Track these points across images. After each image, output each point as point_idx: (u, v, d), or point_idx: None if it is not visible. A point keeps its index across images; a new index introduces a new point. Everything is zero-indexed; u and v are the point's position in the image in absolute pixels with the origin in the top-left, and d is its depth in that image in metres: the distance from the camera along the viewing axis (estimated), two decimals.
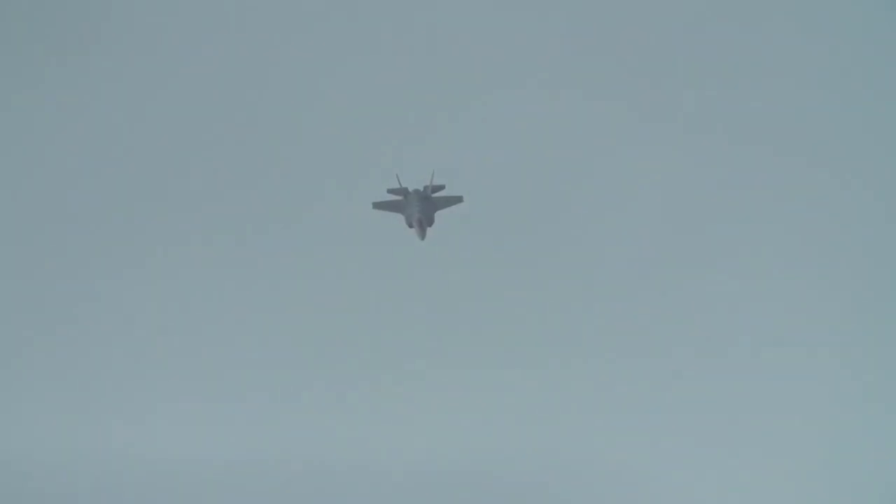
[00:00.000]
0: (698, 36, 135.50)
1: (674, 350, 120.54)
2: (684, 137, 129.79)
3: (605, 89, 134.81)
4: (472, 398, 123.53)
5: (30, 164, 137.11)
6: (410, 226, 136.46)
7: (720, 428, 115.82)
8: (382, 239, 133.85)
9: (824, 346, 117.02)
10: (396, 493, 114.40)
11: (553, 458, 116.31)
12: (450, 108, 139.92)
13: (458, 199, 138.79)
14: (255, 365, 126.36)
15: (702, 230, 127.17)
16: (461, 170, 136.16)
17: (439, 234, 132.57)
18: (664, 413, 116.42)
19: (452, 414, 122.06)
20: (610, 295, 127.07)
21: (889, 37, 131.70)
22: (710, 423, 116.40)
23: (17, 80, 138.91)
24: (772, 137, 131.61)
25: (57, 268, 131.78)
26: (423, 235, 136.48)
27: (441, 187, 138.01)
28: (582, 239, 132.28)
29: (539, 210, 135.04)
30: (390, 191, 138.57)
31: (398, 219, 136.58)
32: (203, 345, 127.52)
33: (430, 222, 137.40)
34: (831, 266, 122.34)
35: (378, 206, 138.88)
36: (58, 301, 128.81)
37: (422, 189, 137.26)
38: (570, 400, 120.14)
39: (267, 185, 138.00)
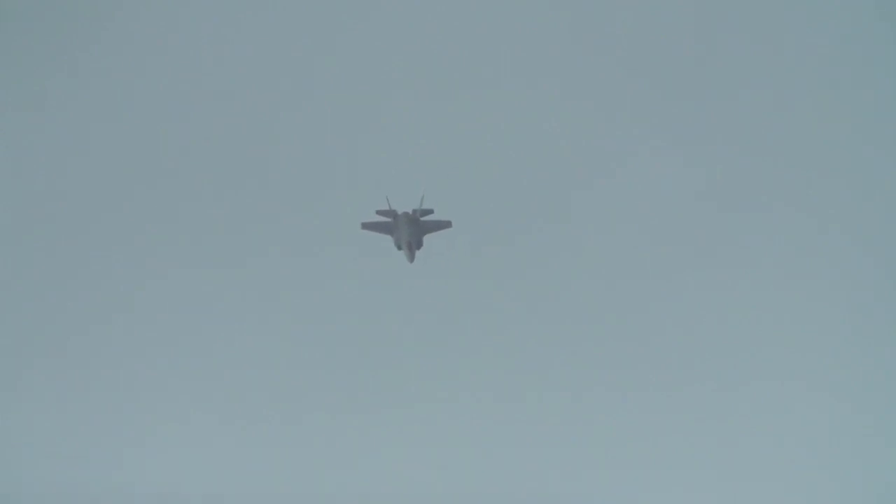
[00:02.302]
0: (702, 39, 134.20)
1: (670, 372, 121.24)
2: (685, 144, 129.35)
3: (599, 99, 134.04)
4: (462, 424, 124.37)
5: (31, 174, 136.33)
6: (399, 248, 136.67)
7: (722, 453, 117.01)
8: (372, 258, 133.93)
9: (831, 358, 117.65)
10: None
11: (547, 487, 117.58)
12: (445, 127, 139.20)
13: (447, 224, 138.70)
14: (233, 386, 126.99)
15: (701, 239, 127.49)
16: (451, 195, 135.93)
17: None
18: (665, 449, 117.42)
19: (442, 442, 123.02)
20: (601, 312, 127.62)
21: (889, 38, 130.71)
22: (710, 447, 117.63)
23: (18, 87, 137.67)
24: (774, 140, 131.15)
25: (64, 279, 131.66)
26: (412, 258, 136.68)
27: (430, 211, 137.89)
28: (574, 257, 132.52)
29: (531, 229, 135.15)
30: (379, 212, 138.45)
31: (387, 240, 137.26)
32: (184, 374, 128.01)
33: (419, 245, 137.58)
34: (838, 270, 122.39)
35: (367, 226, 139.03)
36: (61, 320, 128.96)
37: (410, 212, 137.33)
38: (561, 425, 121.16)
39: (253, 201, 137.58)
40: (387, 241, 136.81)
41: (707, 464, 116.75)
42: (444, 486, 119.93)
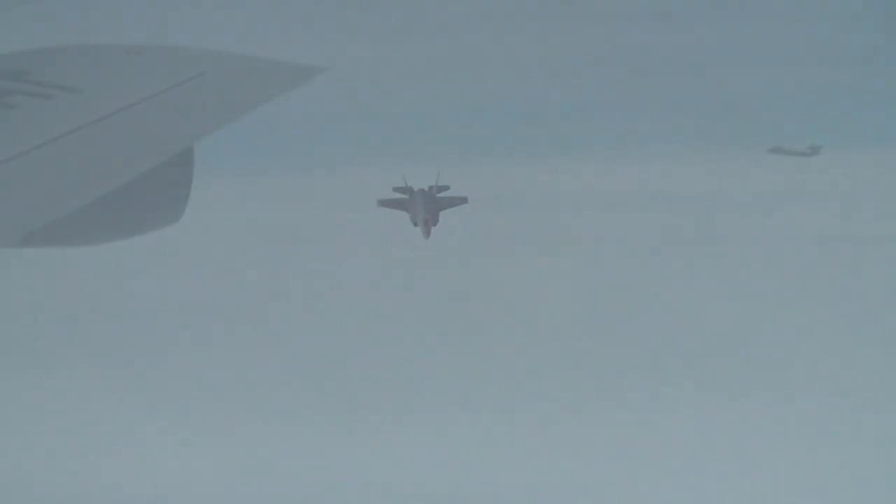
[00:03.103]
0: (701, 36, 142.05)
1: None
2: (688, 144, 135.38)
3: (610, 92, 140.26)
4: (475, 415, 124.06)
5: None
6: (415, 224, 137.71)
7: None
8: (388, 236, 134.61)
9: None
10: None
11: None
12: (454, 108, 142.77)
13: (463, 200, 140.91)
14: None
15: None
16: (465, 171, 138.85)
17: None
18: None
19: (452, 438, 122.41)
20: (621, 292, 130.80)
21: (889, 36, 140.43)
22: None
23: None
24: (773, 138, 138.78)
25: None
26: (427, 234, 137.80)
27: (446, 188, 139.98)
28: (596, 238, 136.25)
29: (547, 207, 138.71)
30: (396, 189, 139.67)
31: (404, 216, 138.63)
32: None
33: (435, 221, 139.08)
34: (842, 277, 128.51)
35: (384, 203, 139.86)
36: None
37: (426, 189, 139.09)
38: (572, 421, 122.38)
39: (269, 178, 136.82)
40: (403, 217, 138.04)
41: (710, 465, 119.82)
42: (452, 486, 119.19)
